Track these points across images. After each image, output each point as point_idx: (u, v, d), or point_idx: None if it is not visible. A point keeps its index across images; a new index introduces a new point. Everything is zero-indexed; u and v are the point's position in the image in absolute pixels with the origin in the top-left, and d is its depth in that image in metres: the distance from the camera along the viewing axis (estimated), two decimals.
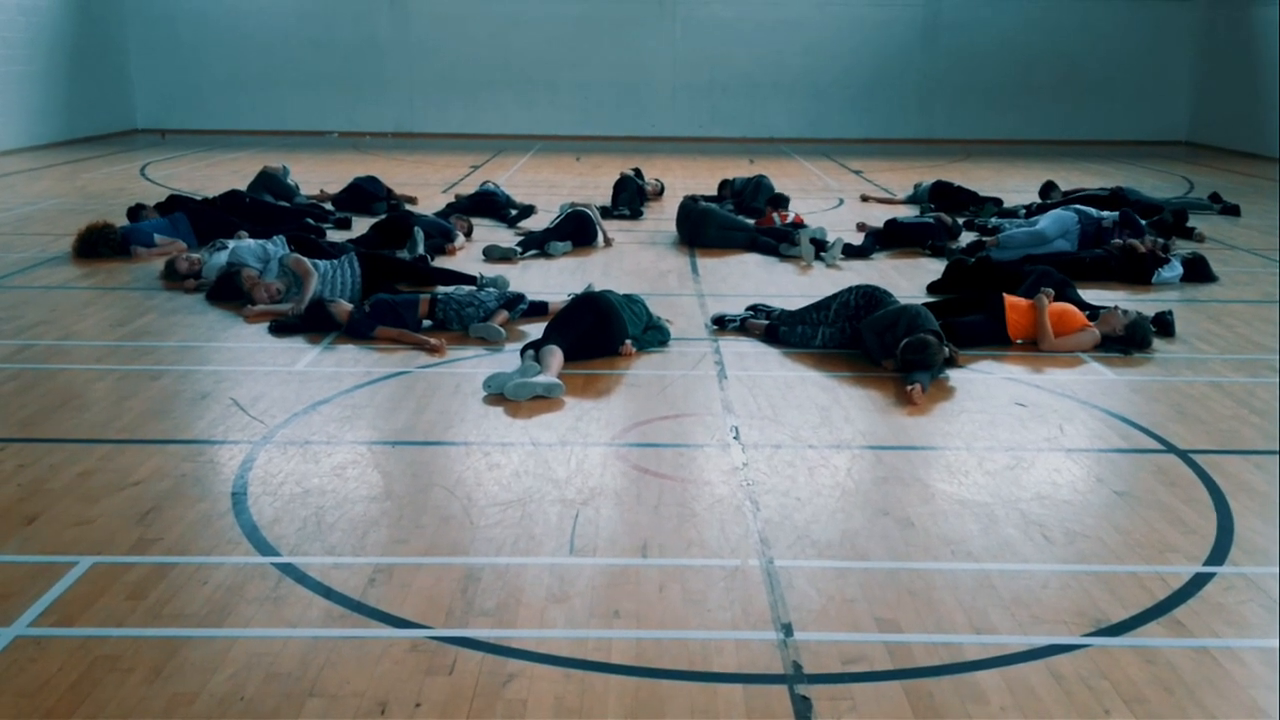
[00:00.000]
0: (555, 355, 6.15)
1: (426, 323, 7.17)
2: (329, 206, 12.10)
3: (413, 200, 12.68)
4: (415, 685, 3.27)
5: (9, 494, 4.61)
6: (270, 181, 12.32)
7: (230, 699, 3.18)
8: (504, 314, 7.12)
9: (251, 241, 8.56)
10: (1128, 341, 6.86)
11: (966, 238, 10.55)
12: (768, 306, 7.46)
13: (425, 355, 6.65)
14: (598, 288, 7.33)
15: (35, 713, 3.12)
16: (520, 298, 7.38)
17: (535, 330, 6.92)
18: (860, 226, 11.08)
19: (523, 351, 6.36)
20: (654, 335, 6.88)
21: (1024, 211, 11.71)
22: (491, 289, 7.69)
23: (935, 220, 10.59)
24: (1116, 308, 7.05)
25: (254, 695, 3.20)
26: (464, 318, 7.13)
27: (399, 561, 4.05)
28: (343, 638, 3.52)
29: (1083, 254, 9.27)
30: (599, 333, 6.56)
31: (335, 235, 10.31)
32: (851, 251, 9.86)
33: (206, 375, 6.30)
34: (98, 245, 9.43)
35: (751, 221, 10.91)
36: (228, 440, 5.27)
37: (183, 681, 3.27)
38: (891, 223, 10.54)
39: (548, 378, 5.90)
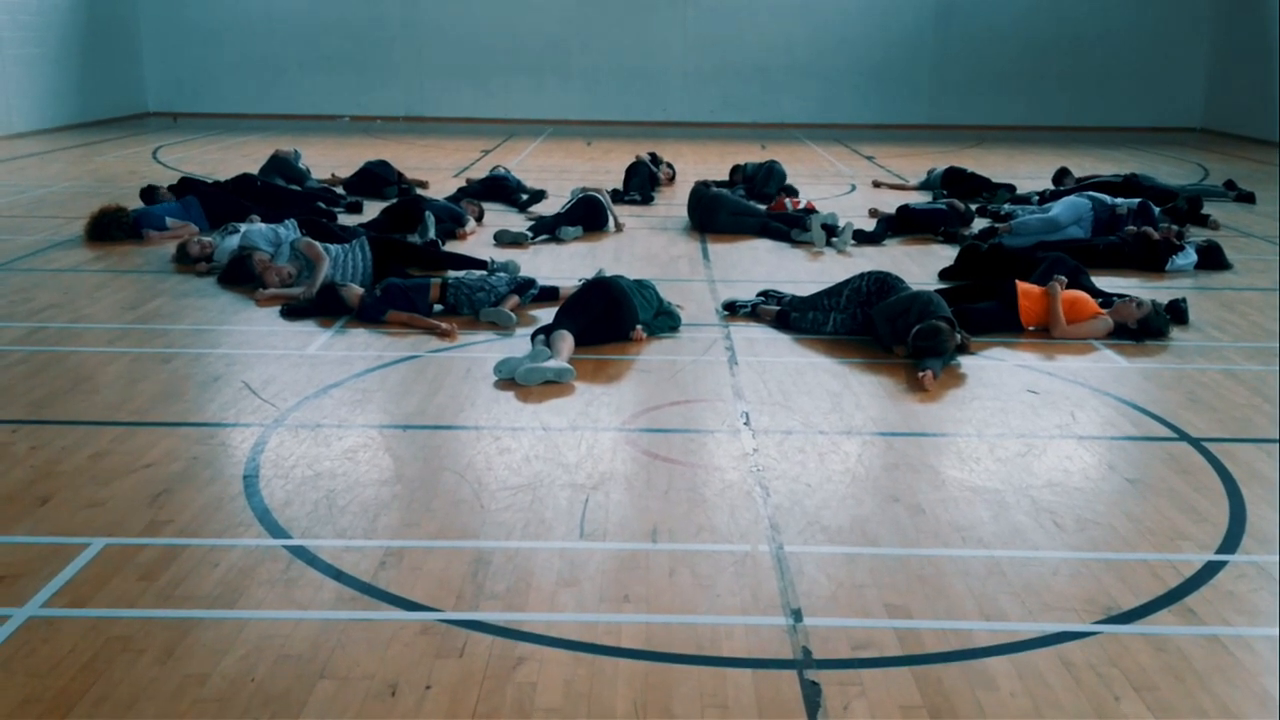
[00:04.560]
0: (566, 340, 6.15)
1: (438, 307, 7.17)
2: (340, 191, 12.10)
3: (424, 184, 12.67)
4: (425, 667, 3.28)
5: (21, 476, 4.63)
6: (282, 165, 12.33)
7: (241, 680, 3.20)
8: (515, 299, 7.12)
9: (263, 225, 8.58)
10: (1142, 333, 6.82)
11: (979, 224, 10.50)
12: (779, 292, 7.44)
13: (436, 339, 6.65)
14: (609, 273, 7.32)
15: (47, 693, 3.13)
16: (531, 282, 7.38)
17: (546, 315, 6.92)
18: (872, 213, 11.03)
19: (533, 336, 6.36)
20: (664, 321, 6.86)
21: (1037, 198, 11.65)
22: (502, 274, 7.69)
23: (948, 206, 10.54)
24: (1131, 300, 6.98)
25: (265, 677, 3.22)
26: (475, 302, 7.13)
27: (410, 545, 4.06)
28: (353, 620, 3.53)
29: (1096, 241, 9.22)
30: (610, 318, 6.56)
31: (346, 219, 10.31)
32: (863, 238, 9.83)
33: (218, 358, 6.32)
34: (109, 228, 9.45)
35: (763, 207, 10.88)
36: (239, 423, 5.29)
37: (194, 663, 3.28)
38: (904, 209, 10.50)
39: (558, 363, 5.89)
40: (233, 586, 3.73)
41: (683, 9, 21.71)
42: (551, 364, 5.86)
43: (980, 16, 21.60)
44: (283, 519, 4.24)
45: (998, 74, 21.77)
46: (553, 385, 5.83)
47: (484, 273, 7.72)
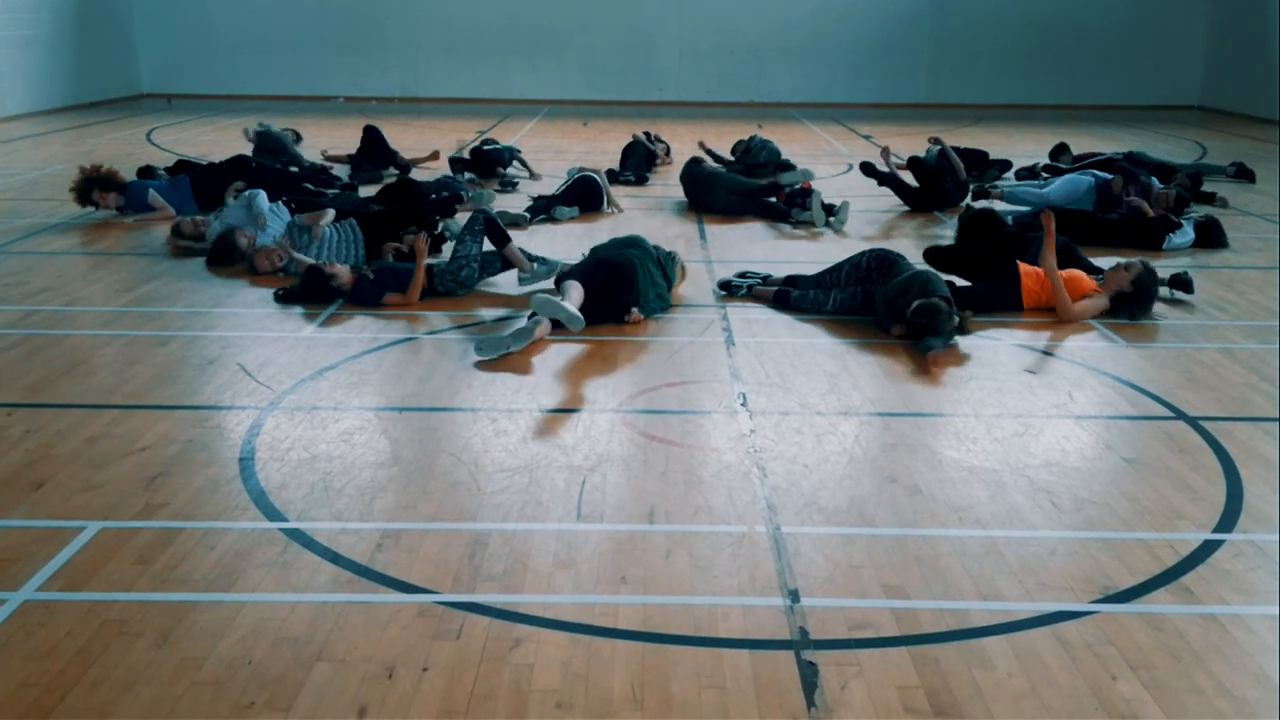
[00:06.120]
0: (576, 288, 6.10)
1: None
2: (335, 171, 12.08)
3: (435, 156, 12.72)
4: (423, 649, 3.27)
5: (16, 459, 4.62)
6: (265, 139, 12.29)
7: (238, 663, 3.19)
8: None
9: (236, 201, 8.58)
10: (1136, 298, 6.77)
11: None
12: (757, 274, 7.42)
13: (431, 322, 6.62)
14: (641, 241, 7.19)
15: (43, 677, 3.13)
16: (482, 216, 7.24)
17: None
18: (884, 152, 10.93)
19: (529, 316, 6.32)
20: (658, 303, 6.82)
21: (1045, 174, 11.62)
22: (473, 195, 7.68)
23: (952, 186, 10.52)
24: (1118, 266, 6.95)
25: (261, 659, 3.21)
26: (463, 281, 7.10)
27: (406, 527, 4.05)
28: (350, 602, 3.53)
29: (1096, 216, 9.19)
30: (609, 294, 6.47)
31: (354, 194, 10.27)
32: (870, 170, 10.32)
33: (213, 341, 6.30)
34: (98, 186, 9.38)
35: (763, 182, 10.77)
36: (235, 406, 5.27)
37: (190, 646, 3.28)
38: (915, 159, 10.63)
39: (573, 307, 5.81)
40: (229, 569, 3.72)
41: None
42: (569, 304, 5.77)
43: None
44: (279, 502, 4.23)
45: (995, 52, 21.67)
46: (549, 364, 5.80)
47: (459, 255, 7.42)
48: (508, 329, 6.07)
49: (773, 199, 10.18)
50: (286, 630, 3.36)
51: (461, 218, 8.56)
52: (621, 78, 21.92)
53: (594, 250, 7.16)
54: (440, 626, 3.40)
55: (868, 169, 10.76)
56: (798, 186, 10.49)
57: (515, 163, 12.18)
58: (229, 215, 8.28)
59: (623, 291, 6.54)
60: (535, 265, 7.30)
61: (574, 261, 7.29)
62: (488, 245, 7.20)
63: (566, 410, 5.24)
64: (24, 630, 3.36)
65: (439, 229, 8.12)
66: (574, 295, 6.07)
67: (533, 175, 12.01)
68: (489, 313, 6.86)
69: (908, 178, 10.71)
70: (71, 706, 3.01)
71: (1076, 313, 6.76)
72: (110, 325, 6.58)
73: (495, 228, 7.20)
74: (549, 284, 7.25)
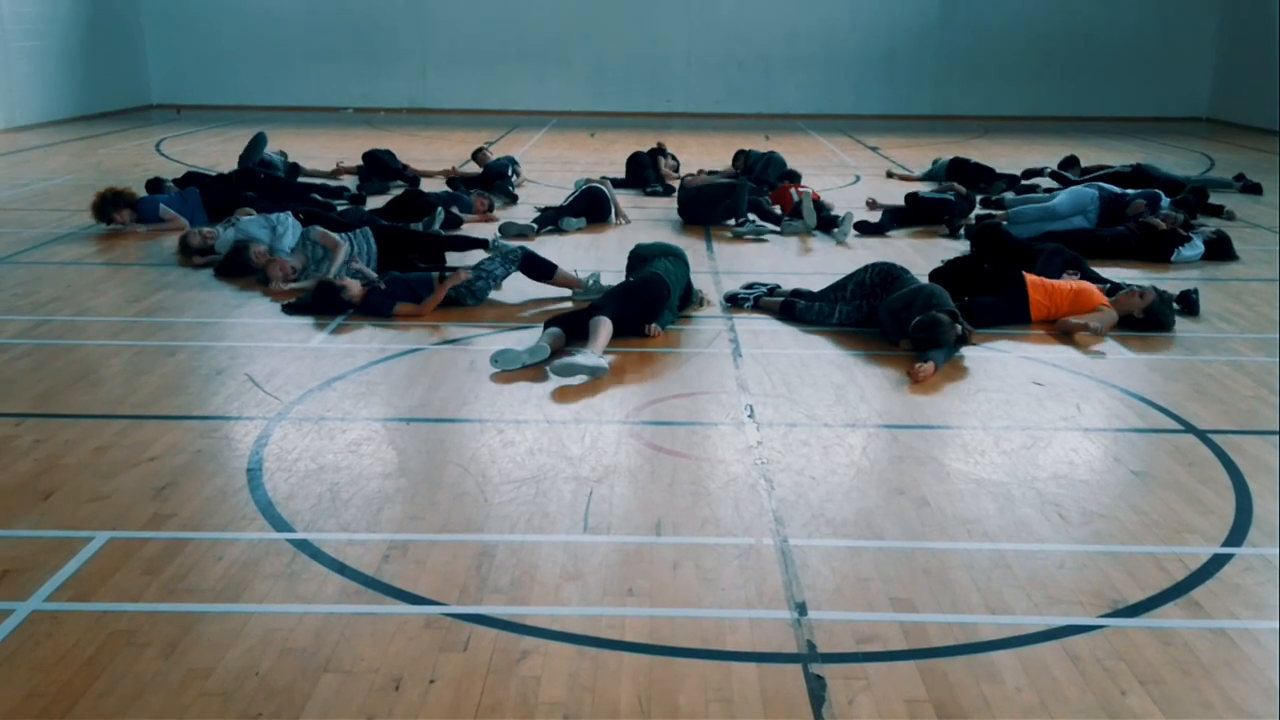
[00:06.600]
0: (604, 327, 6.08)
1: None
2: (345, 181, 12.12)
3: (450, 172, 12.75)
4: (429, 661, 3.27)
5: (25, 469, 4.63)
6: (250, 155, 12.35)
7: (245, 674, 3.19)
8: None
9: (257, 215, 8.62)
10: (1148, 323, 6.78)
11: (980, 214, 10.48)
12: (764, 284, 7.43)
13: (440, 332, 6.63)
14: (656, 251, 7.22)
15: (51, 687, 3.13)
16: (520, 252, 7.38)
17: (536, 292, 6.88)
18: (871, 204, 10.97)
19: (546, 326, 6.28)
20: (669, 315, 6.81)
21: (1048, 182, 11.61)
22: (500, 249, 7.74)
23: (955, 197, 10.51)
24: (1134, 290, 6.95)
25: (269, 670, 3.21)
26: (476, 291, 7.13)
27: (413, 538, 4.06)
28: (357, 614, 3.53)
29: (1103, 231, 9.19)
30: (640, 316, 6.50)
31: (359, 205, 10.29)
32: (867, 228, 9.80)
33: (221, 351, 6.31)
34: (113, 205, 9.44)
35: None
36: (243, 416, 5.28)
37: (198, 657, 3.28)
38: (912, 196, 10.50)
39: (594, 359, 5.78)
40: (236, 580, 3.72)
41: None
42: (589, 360, 5.75)
43: (986, 5, 21.52)
44: (286, 512, 4.24)
45: (1003, 64, 21.70)
46: (557, 376, 5.80)
47: (481, 257, 7.62)
48: (522, 343, 6.09)
49: (765, 198, 10.27)
50: (294, 641, 3.37)
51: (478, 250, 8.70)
52: (629, 89, 21.98)
53: (636, 249, 7.21)
54: (447, 638, 3.40)
55: (871, 203, 10.87)
56: (806, 196, 10.47)
57: (512, 174, 12.20)
58: (247, 227, 8.29)
59: (650, 311, 6.55)
60: (589, 281, 7.39)
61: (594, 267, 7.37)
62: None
63: (574, 421, 5.24)
64: (32, 640, 3.36)
65: (491, 242, 8.29)
66: (601, 338, 6.04)
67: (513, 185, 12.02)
68: (501, 325, 6.87)
69: (918, 188, 10.75)
70: (79, 717, 3.01)
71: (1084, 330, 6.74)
72: (119, 335, 6.60)
73: (536, 264, 7.34)
74: (534, 294, 7.27)
